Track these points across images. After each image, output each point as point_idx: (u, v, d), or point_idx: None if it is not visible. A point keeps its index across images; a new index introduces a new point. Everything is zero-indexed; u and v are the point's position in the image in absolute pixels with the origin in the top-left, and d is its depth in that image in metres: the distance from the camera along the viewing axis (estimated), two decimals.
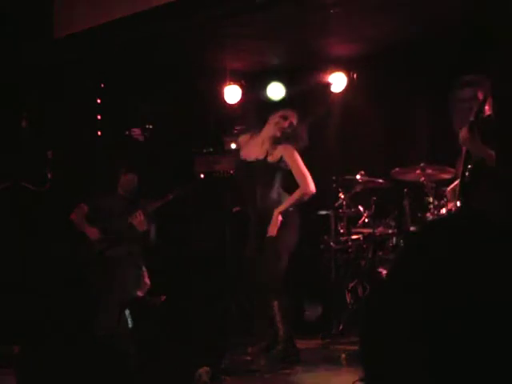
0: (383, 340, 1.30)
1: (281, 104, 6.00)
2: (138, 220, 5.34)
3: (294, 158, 4.82)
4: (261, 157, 4.92)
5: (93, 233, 5.41)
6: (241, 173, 5.19)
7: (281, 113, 4.96)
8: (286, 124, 4.90)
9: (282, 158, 4.85)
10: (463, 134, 3.73)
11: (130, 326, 5.07)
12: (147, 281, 5.41)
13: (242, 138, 5.17)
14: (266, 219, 4.78)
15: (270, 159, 4.88)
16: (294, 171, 4.82)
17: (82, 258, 5.43)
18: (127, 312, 5.08)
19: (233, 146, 5.51)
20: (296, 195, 4.80)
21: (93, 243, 5.41)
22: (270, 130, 4.93)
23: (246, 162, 5.01)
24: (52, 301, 5.35)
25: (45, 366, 2.97)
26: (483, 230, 1.34)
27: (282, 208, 4.78)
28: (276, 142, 4.89)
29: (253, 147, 5.01)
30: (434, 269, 1.28)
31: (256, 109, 6.24)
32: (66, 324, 4.45)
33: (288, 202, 4.81)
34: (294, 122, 4.92)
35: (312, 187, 4.79)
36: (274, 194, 4.87)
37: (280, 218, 4.75)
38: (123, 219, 5.41)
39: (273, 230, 4.73)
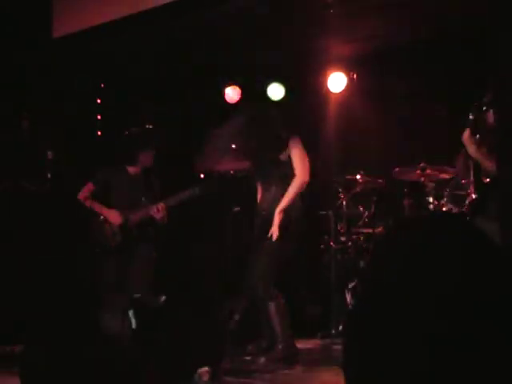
0: (369, 345, 1.30)
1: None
2: (160, 215, 5.11)
3: None
4: None
5: (115, 217, 5.16)
6: None
7: None
8: None
9: None
10: (465, 135, 3.83)
11: (134, 326, 5.06)
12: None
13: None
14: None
15: None
16: None
17: (86, 255, 5.32)
18: (131, 312, 5.06)
19: None
20: None
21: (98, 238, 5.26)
22: None
23: None
24: (55, 299, 5.33)
25: (49, 366, 2.97)
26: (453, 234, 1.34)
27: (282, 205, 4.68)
28: None
29: None
30: (403, 268, 1.29)
31: None
32: (69, 323, 4.44)
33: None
34: None
35: None
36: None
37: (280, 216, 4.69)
38: (136, 194, 5.24)
39: (275, 231, 4.64)
